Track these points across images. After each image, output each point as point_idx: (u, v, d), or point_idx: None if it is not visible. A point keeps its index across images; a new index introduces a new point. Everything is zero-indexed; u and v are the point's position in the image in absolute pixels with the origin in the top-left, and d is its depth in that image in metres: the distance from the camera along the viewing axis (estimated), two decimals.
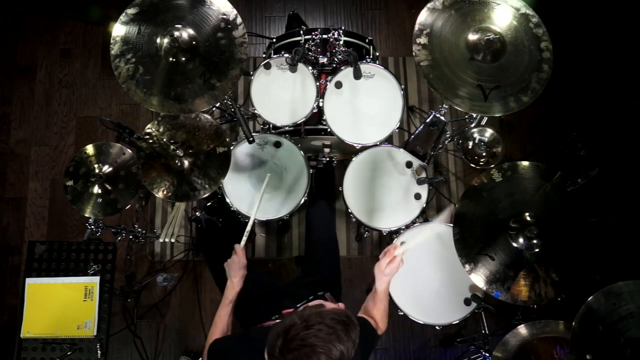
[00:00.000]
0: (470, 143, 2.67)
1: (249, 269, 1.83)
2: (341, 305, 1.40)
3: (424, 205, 2.27)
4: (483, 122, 2.30)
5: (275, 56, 2.26)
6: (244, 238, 1.89)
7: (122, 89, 1.85)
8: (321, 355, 1.16)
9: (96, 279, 2.01)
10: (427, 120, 2.18)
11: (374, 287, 1.72)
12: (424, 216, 2.42)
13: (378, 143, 2.27)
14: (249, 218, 1.96)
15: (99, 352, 1.96)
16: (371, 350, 1.64)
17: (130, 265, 2.89)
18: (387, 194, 2.29)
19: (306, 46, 2.27)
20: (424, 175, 2.30)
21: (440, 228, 2.21)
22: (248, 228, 1.91)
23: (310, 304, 1.33)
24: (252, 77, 2.26)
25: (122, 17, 1.86)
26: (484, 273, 1.78)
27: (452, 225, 1.87)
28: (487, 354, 2.32)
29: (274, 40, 2.46)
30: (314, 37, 2.28)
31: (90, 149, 2.06)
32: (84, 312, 1.98)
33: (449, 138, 2.69)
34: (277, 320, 1.57)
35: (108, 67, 2.67)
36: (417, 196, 2.28)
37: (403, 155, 2.32)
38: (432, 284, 2.17)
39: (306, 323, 1.19)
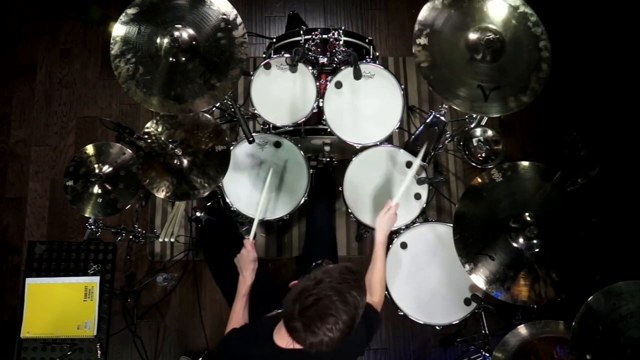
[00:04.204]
0: (474, 141, 2.69)
1: None
2: None
3: (424, 205, 2.27)
4: (483, 122, 2.30)
5: (275, 56, 2.26)
6: (253, 231, 1.92)
7: (122, 89, 1.84)
8: (337, 303, 1.22)
9: (96, 279, 2.01)
10: (427, 120, 2.18)
11: (375, 243, 1.83)
12: (424, 216, 2.42)
13: (378, 143, 2.27)
14: (249, 218, 1.96)
15: (99, 352, 1.96)
16: (375, 330, 1.68)
17: (130, 265, 2.89)
18: (387, 194, 2.29)
19: (306, 46, 2.27)
20: (424, 175, 2.30)
21: (441, 227, 2.22)
22: (256, 220, 1.94)
23: None
24: (252, 77, 2.26)
25: (122, 17, 1.86)
26: (484, 273, 1.78)
27: (452, 225, 1.87)
28: (487, 354, 2.32)
29: (274, 40, 2.46)
30: (314, 37, 2.28)
31: (90, 149, 2.06)
32: (84, 312, 1.98)
33: (449, 138, 2.69)
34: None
35: (108, 67, 2.67)
36: (417, 196, 2.28)
37: (403, 155, 2.32)
38: (432, 284, 2.17)
39: (316, 281, 1.26)
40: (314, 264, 1.83)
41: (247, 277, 1.80)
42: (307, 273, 2.08)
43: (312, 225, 2.38)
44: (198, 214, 2.57)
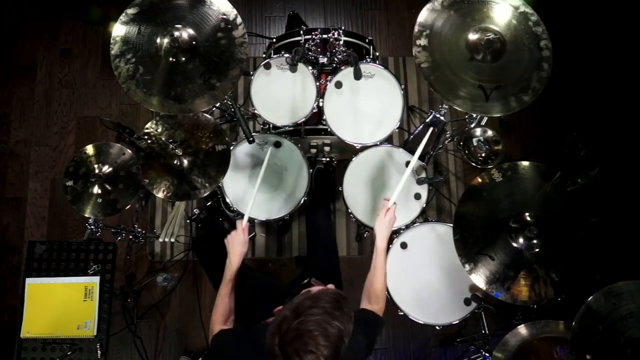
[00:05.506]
0: (474, 141, 2.69)
1: (248, 270, 1.81)
2: (330, 286, 1.39)
3: (424, 205, 2.27)
4: (483, 122, 2.30)
5: (275, 56, 2.26)
6: (247, 215, 1.90)
7: (122, 89, 1.84)
8: (319, 338, 1.15)
9: (96, 279, 2.01)
10: (427, 120, 2.18)
11: (374, 250, 1.76)
12: (424, 216, 2.42)
13: (378, 143, 2.27)
14: (249, 217, 1.95)
15: (99, 352, 1.96)
16: (377, 337, 1.64)
17: (130, 265, 2.89)
18: (387, 194, 2.29)
19: (306, 46, 2.27)
20: (424, 175, 2.30)
21: (441, 227, 2.22)
22: (250, 204, 1.92)
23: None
24: (252, 77, 2.26)
25: (122, 17, 1.86)
26: (484, 273, 1.78)
27: (452, 225, 1.87)
28: (487, 354, 2.32)
29: (274, 40, 2.46)
30: (314, 37, 2.28)
31: (90, 149, 2.06)
32: (84, 312, 1.98)
33: (449, 138, 2.69)
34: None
35: (108, 67, 2.67)
36: (417, 196, 2.28)
37: (403, 155, 2.32)
38: (432, 284, 2.17)
39: (296, 312, 1.19)
40: (299, 284, 1.77)
41: (233, 261, 1.77)
42: (309, 276, 2.08)
43: (312, 226, 2.38)
44: (197, 211, 2.59)
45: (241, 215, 2.28)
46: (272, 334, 1.18)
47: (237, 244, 1.80)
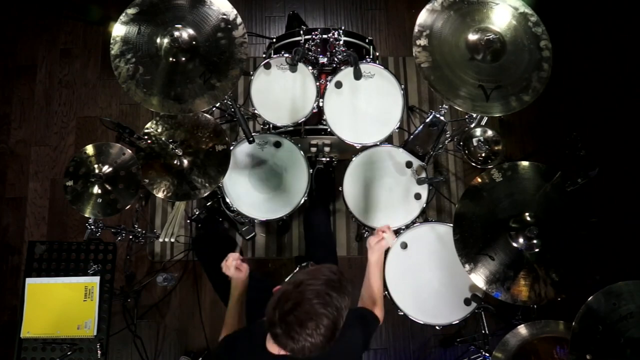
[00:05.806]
0: (474, 141, 2.69)
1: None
2: None
3: (424, 205, 2.27)
4: (483, 122, 2.30)
5: (275, 56, 2.26)
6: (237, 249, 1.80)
7: (122, 89, 1.85)
8: (317, 306, 1.16)
9: (96, 279, 2.01)
10: (427, 120, 2.18)
11: (367, 266, 1.74)
12: (424, 216, 2.42)
13: (378, 143, 2.28)
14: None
15: (99, 352, 1.96)
16: (373, 334, 1.65)
17: (130, 265, 2.89)
18: (387, 194, 2.29)
19: (306, 46, 2.27)
20: (424, 175, 2.30)
21: (441, 227, 2.22)
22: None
23: None
24: (252, 77, 2.26)
25: (122, 17, 1.86)
26: (484, 273, 1.78)
27: (452, 225, 1.87)
28: (487, 354, 2.32)
29: (274, 40, 2.46)
30: (314, 37, 2.28)
31: (90, 149, 2.07)
32: (84, 312, 1.98)
33: (449, 138, 2.69)
34: None
35: (108, 67, 2.66)
36: (417, 196, 2.28)
37: (403, 155, 2.32)
38: (432, 284, 2.17)
39: (294, 284, 1.21)
40: (298, 267, 1.75)
41: (240, 284, 1.71)
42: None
43: (311, 226, 2.38)
44: (197, 212, 2.59)
45: (242, 216, 2.28)
46: (273, 307, 1.19)
47: (239, 284, 1.71)
